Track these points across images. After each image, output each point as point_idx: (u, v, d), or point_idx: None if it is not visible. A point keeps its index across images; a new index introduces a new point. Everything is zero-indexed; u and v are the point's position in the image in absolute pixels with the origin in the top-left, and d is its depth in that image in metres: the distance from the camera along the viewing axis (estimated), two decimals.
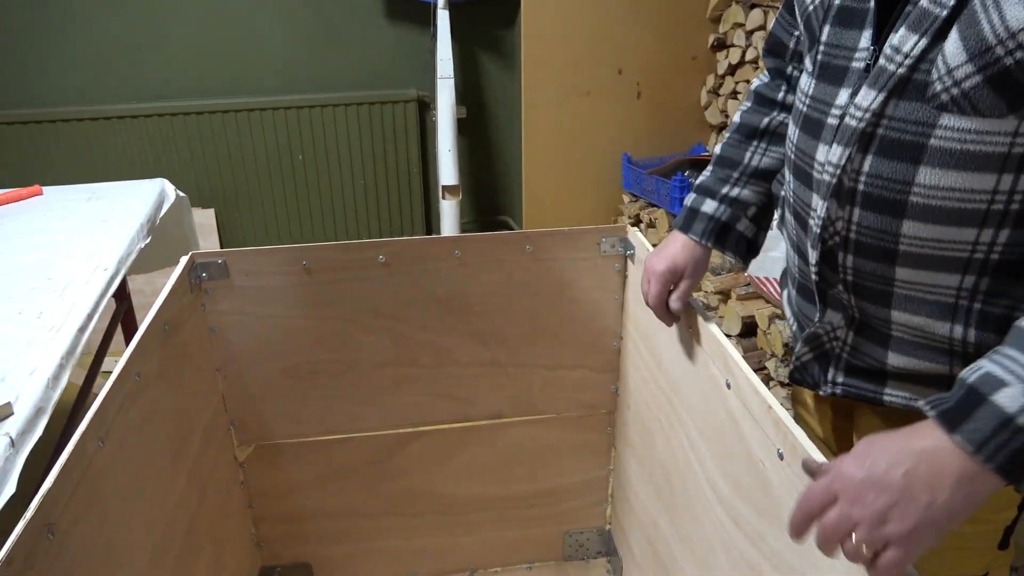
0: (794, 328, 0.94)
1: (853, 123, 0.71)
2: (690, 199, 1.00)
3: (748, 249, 1.00)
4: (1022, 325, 0.58)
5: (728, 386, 0.89)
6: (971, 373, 0.58)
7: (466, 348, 1.35)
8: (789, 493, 0.76)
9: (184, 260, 1.20)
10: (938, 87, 0.65)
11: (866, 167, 0.71)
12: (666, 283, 0.99)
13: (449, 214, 2.64)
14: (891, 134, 0.69)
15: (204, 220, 2.80)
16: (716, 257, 2.05)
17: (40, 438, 0.95)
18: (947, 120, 0.65)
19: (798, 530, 0.62)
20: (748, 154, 0.96)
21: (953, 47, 0.63)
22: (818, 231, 0.77)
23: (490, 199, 3.11)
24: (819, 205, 0.76)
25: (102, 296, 1.28)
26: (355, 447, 1.41)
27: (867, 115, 0.69)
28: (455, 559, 1.56)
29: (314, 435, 1.39)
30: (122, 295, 1.69)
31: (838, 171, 0.72)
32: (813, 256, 0.80)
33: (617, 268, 1.32)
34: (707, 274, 2.03)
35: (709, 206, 0.97)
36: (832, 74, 0.76)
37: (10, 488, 0.85)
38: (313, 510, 1.46)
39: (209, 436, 1.23)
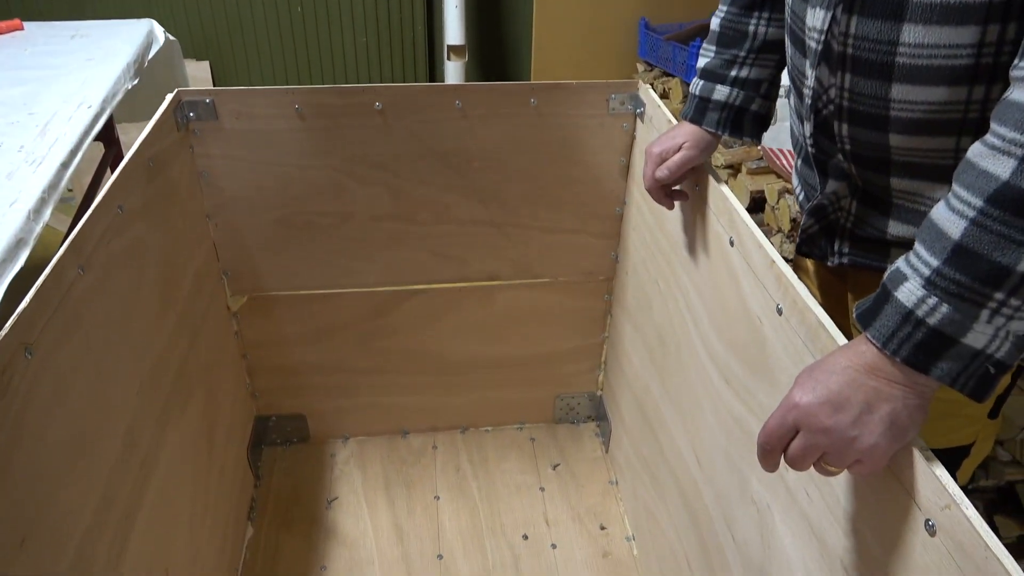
0: (800, 198, 0.91)
1: None
2: (697, 87, 0.92)
3: (762, 126, 0.93)
4: (932, 215, 0.55)
5: (731, 243, 0.85)
6: (888, 270, 0.57)
7: (464, 206, 1.31)
8: (785, 349, 0.74)
9: (169, 97, 1.14)
10: None
11: (852, 29, 0.66)
12: (660, 164, 0.93)
13: (454, 76, 2.53)
14: None
15: (199, 73, 2.69)
16: None
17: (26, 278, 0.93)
18: None
19: (768, 466, 0.61)
20: (751, 28, 0.88)
21: None
22: (810, 101, 0.74)
23: (498, 63, 2.97)
24: (810, 74, 0.73)
25: (86, 134, 1.23)
26: (349, 302, 1.40)
27: None
28: (447, 417, 1.59)
29: (308, 288, 1.38)
30: (110, 140, 1.63)
31: (823, 36, 0.69)
32: (808, 127, 0.77)
33: (625, 128, 1.26)
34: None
35: (720, 92, 0.90)
36: None
37: None
38: (307, 364, 1.47)
39: (200, 282, 1.21)
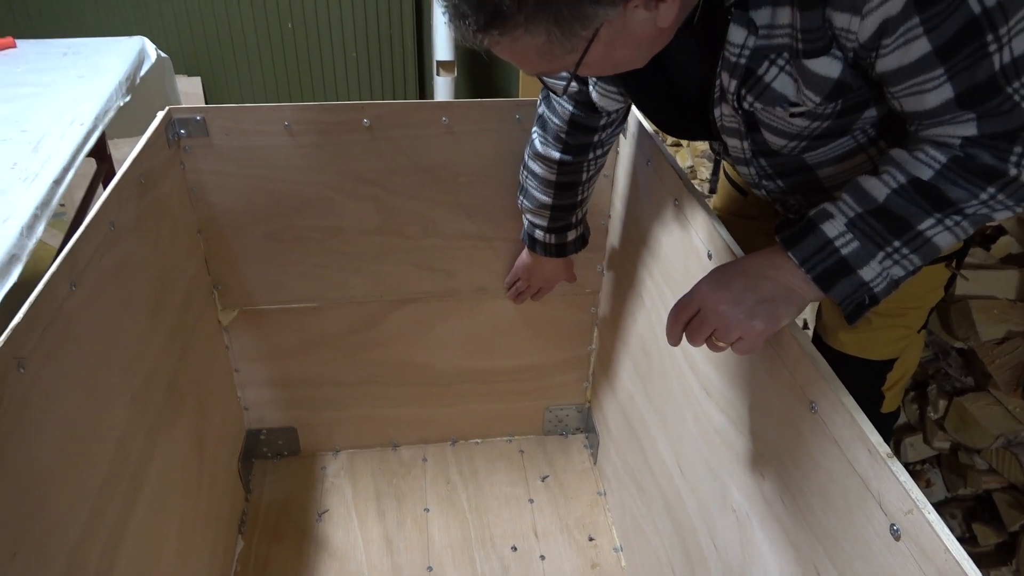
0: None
1: (742, 155, 0.85)
2: (542, 235, 1.20)
3: (584, 244, 1.26)
4: (860, 180, 0.68)
5: (709, 256, 0.88)
6: (814, 210, 0.70)
7: (452, 220, 1.33)
8: (761, 359, 0.76)
9: (161, 115, 1.16)
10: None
11: (766, 164, 0.85)
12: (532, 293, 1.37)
13: (443, 91, 2.56)
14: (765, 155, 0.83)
15: (190, 88, 2.71)
16: None
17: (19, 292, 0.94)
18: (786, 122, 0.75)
19: (672, 338, 0.76)
20: (579, 197, 1.15)
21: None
22: (767, 198, 0.93)
23: (486, 78, 3.00)
24: (759, 191, 0.92)
25: (78, 151, 1.25)
26: (338, 315, 1.41)
27: (745, 147, 0.83)
28: (436, 429, 1.60)
29: (298, 302, 1.39)
30: (102, 156, 1.65)
31: (755, 178, 0.88)
32: (779, 208, 0.95)
33: None
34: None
35: (572, 234, 1.21)
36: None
37: None
38: (297, 376, 1.48)
39: (191, 297, 1.22)
